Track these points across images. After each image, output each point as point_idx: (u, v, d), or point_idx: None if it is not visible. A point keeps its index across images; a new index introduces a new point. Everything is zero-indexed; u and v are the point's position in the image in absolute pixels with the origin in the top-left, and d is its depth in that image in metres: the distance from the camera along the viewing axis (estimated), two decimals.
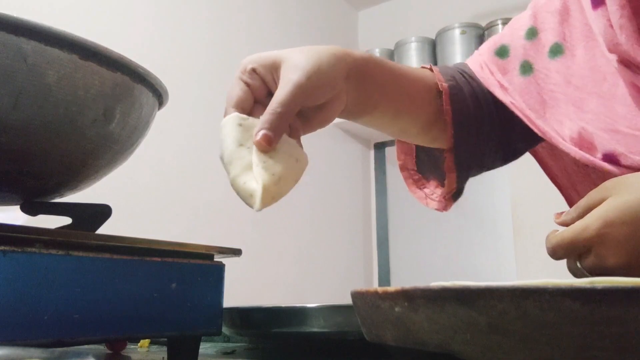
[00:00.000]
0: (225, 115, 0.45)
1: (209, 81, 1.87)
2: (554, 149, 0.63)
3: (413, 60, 2.31)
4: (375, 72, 0.51)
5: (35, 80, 0.39)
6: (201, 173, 1.79)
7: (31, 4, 1.39)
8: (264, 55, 0.46)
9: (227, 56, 1.94)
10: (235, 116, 0.44)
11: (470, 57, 0.64)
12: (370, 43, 2.60)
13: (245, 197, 0.42)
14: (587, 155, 0.51)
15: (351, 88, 0.49)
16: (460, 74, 0.60)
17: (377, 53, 2.41)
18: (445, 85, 0.57)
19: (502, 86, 0.58)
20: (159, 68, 0.60)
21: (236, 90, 0.46)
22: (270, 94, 0.46)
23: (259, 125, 0.42)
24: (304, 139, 0.47)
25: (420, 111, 0.57)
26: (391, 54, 2.42)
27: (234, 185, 0.43)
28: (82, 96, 0.42)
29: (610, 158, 0.49)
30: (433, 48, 2.33)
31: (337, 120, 0.49)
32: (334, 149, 2.41)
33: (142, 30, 1.68)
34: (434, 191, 0.64)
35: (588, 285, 0.22)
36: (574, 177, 0.62)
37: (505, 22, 2.17)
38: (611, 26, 0.49)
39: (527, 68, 0.58)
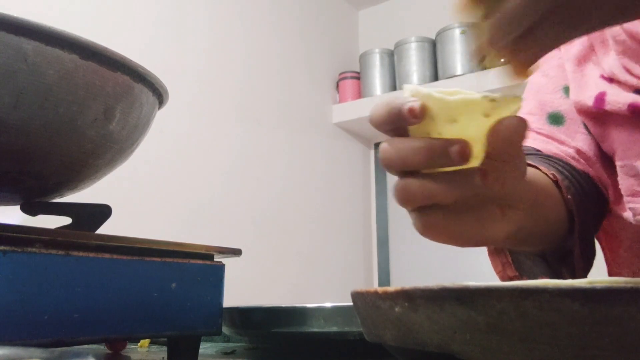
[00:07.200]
0: None
1: (208, 81, 1.87)
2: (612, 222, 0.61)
3: (413, 60, 2.31)
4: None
5: (36, 80, 0.39)
6: (201, 173, 1.79)
7: (31, 4, 1.40)
8: None
9: (227, 56, 1.94)
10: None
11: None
12: (370, 43, 2.59)
13: None
14: None
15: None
16: (569, 173, 0.57)
17: (377, 53, 2.41)
18: (569, 198, 0.53)
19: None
20: (159, 68, 0.60)
21: None
22: None
23: None
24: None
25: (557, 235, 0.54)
26: (391, 54, 2.41)
27: None
28: (83, 96, 0.42)
29: None
30: (433, 48, 2.32)
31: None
32: (334, 148, 2.40)
33: (142, 30, 1.69)
34: None
35: (588, 285, 0.22)
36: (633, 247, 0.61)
37: None
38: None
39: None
